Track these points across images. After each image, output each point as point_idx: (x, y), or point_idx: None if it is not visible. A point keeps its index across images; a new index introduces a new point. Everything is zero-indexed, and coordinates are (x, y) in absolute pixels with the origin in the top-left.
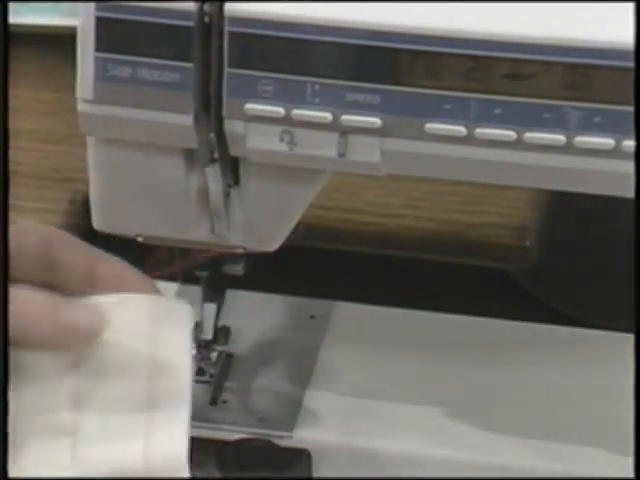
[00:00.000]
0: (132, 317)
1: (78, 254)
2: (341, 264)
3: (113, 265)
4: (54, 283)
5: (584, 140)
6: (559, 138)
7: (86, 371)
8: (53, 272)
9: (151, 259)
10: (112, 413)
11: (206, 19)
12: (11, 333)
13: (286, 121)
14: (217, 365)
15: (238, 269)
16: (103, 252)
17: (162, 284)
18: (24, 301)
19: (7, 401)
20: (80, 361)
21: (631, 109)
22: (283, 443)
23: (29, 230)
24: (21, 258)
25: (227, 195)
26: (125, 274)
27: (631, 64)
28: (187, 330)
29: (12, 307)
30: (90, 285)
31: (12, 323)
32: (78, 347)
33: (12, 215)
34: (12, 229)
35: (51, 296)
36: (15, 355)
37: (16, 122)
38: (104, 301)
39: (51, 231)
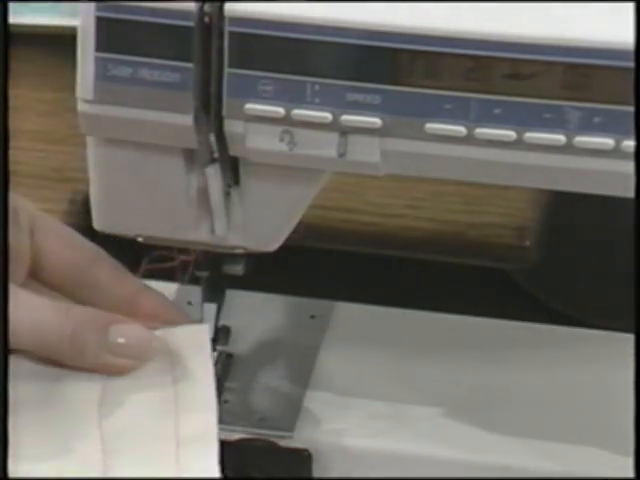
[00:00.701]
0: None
1: (122, 281)
2: (341, 264)
3: (156, 299)
4: (86, 302)
5: (584, 140)
6: (559, 138)
7: (112, 413)
8: (89, 291)
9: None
10: (141, 451)
11: (206, 19)
12: (64, 352)
13: (286, 121)
14: (217, 365)
15: (238, 269)
16: (144, 282)
17: (162, 284)
18: (80, 319)
19: (7, 401)
20: (106, 400)
21: (631, 109)
22: (283, 443)
23: (74, 241)
24: (57, 265)
25: (227, 195)
26: (165, 309)
27: (631, 64)
28: (207, 359)
29: (67, 321)
30: (130, 315)
31: (64, 342)
32: (124, 369)
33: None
34: (57, 230)
35: (102, 315)
36: (46, 385)
37: (16, 122)
38: None
39: (96, 251)
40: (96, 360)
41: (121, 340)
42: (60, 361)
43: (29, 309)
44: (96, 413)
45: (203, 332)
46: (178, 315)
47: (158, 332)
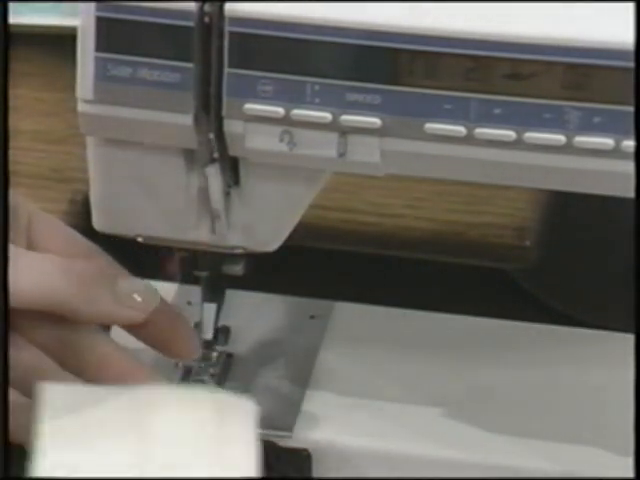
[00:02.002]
0: (195, 415)
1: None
2: (341, 264)
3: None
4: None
5: (584, 140)
6: (559, 138)
7: (152, 468)
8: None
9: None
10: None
11: (206, 19)
12: (74, 302)
13: (286, 121)
14: (217, 365)
15: (238, 269)
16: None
17: (162, 284)
18: (89, 273)
19: (7, 401)
20: (145, 460)
21: (631, 109)
22: (283, 443)
23: (70, 239)
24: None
25: (227, 195)
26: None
27: (631, 64)
28: (251, 428)
29: (72, 276)
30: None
31: (73, 292)
32: (133, 321)
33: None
34: (54, 227)
35: (109, 267)
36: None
37: (16, 122)
38: (160, 392)
39: (92, 249)
40: (108, 312)
41: (131, 292)
42: (70, 317)
43: (35, 267)
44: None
45: (250, 408)
46: (169, 310)
47: (208, 395)
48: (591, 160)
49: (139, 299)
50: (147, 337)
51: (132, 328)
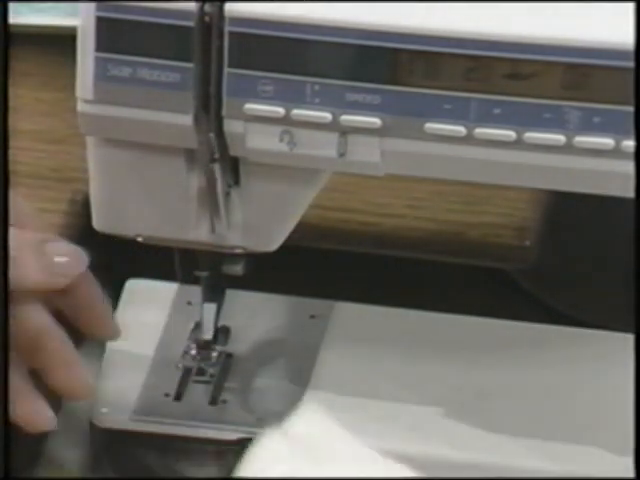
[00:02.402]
0: None
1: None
2: (341, 264)
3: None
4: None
5: (584, 140)
6: (559, 138)
7: None
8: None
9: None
10: None
11: (206, 19)
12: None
13: (286, 121)
14: (217, 365)
15: (238, 269)
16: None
17: (162, 284)
18: (18, 241)
19: (7, 400)
20: None
21: (631, 109)
22: None
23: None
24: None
25: (227, 195)
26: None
27: (631, 64)
28: None
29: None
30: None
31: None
32: (61, 282)
33: None
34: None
35: (37, 235)
36: None
37: (16, 122)
38: None
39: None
40: (34, 279)
41: (58, 258)
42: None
43: None
44: None
45: None
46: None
47: None
48: (591, 160)
49: (64, 261)
50: (64, 307)
51: (50, 297)
